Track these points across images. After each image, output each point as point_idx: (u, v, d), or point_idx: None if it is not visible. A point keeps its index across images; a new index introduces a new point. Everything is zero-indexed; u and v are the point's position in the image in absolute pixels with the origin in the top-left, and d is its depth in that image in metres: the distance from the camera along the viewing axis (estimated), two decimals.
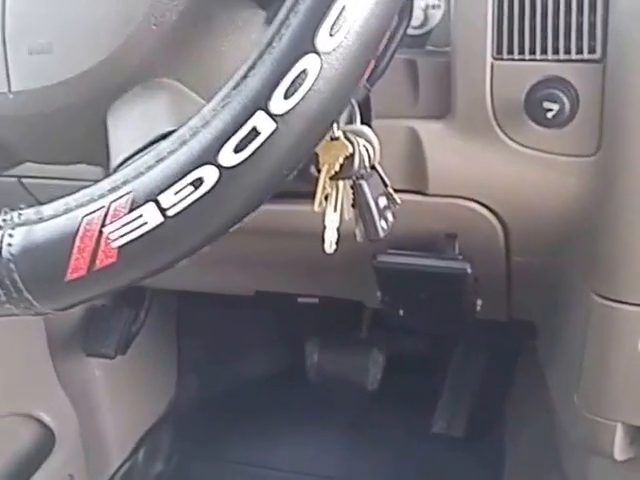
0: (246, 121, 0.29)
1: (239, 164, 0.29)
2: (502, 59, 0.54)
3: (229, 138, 0.29)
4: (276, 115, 0.29)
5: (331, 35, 0.29)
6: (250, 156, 0.29)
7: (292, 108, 0.29)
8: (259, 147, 0.29)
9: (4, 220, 0.32)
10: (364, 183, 0.51)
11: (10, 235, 0.31)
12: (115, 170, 0.34)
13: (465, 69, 0.55)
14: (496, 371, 1.11)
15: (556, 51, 0.53)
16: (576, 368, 0.63)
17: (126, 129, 0.37)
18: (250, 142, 0.29)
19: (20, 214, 0.32)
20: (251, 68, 0.30)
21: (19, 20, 0.39)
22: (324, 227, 0.50)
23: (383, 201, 0.53)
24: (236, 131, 0.29)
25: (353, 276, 0.71)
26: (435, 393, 1.16)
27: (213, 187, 0.30)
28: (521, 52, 0.54)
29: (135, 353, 1.07)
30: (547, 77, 0.53)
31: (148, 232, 0.30)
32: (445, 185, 0.59)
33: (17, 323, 0.92)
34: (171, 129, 0.34)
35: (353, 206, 0.53)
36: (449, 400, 1.14)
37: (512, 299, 0.71)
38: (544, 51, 0.53)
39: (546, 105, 0.52)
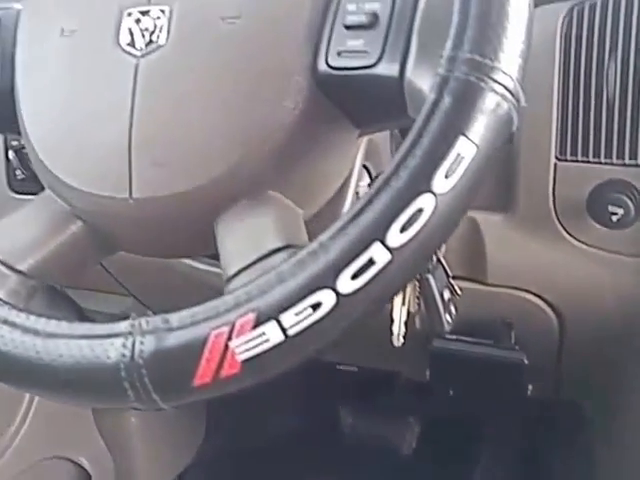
0: (363, 251, 0.31)
1: (355, 291, 0.31)
2: (566, 160, 0.56)
3: (347, 265, 0.31)
4: (392, 247, 0.31)
5: (446, 177, 0.31)
6: (365, 284, 0.31)
7: (407, 242, 0.31)
8: (374, 276, 0.31)
9: (132, 326, 0.34)
10: (431, 277, 0.53)
11: (141, 342, 0.33)
12: (229, 281, 0.37)
13: (528, 167, 0.57)
14: (537, 443, 1.11)
15: (621, 156, 0.54)
16: (629, 452, 0.64)
17: (236, 241, 0.39)
18: (365, 271, 0.31)
19: (147, 321, 0.34)
20: (369, 202, 0.32)
21: (145, 134, 0.41)
22: (392, 320, 0.52)
23: (447, 294, 0.55)
24: (353, 260, 0.31)
25: (404, 353, 0.72)
26: (471, 460, 1.15)
27: (330, 311, 0.31)
28: (585, 154, 0.56)
29: None
30: (611, 180, 0.55)
31: (270, 349, 0.32)
32: (504, 276, 0.61)
33: None
34: (280, 245, 0.37)
35: (417, 297, 0.55)
36: (488, 467, 1.13)
37: (562, 381, 0.72)
38: (609, 155, 0.55)
39: (611, 209, 0.54)
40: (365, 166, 0.52)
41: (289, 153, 0.41)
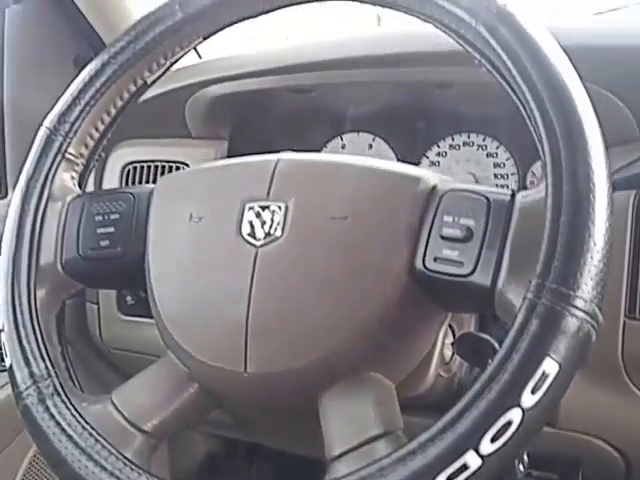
0: (458, 458, 0.36)
1: None
2: (635, 319, 0.61)
3: (443, 469, 0.36)
4: (483, 455, 0.36)
5: (532, 393, 0.36)
6: None
7: (496, 450, 0.36)
8: (466, 478, 0.36)
9: None
10: None
11: None
12: (332, 461, 0.43)
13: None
14: None
15: None
16: None
17: (339, 423, 0.45)
18: (459, 475, 0.36)
19: None
20: (466, 409, 0.37)
21: (261, 316, 0.48)
22: None
23: None
24: (449, 465, 0.36)
25: None
26: None
27: None
28: None
29: None
30: None
31: None
32: (574, 422, 0.64)
33: None
34: (380, 432, 0.42)
35: None
36: None
37: None
38: None
39: None
40: (450, 325, 0.58)
41: (386, 337, 0.47)
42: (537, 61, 0.41)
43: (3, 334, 0.52)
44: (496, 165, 0.76)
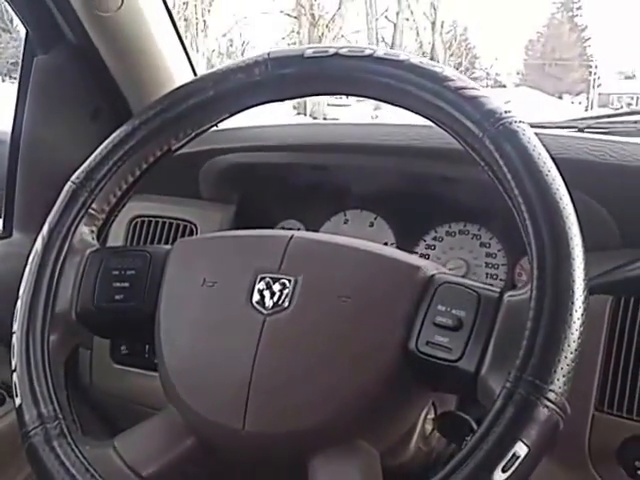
0: None
1: None
2: (602, 412, 0.65)
3: None
4: None
5: (503, 471, 0.41)
6: None
7: None
8: None
9: None
10: None
11: None
12: None
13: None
14: None
15: None
16: None
17: None
18: None
19: None
20: None
21: (263, 379, 0.51)
22: None
23: None
24: None
25: None
26: None
27: None
28: (619, 409, 0.65)
29: None
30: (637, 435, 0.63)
31: None
32: None
33: None
34: None
35: None
36: None
37: None
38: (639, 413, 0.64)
39: (637, 464, 0.62)
40: (433, 402, 0.62)
41: (377, 409, 0.51)
42: (533, 178, 0.46)
43: (15, 374, 0.55)
44: (488, 255, 0.82)
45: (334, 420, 0.50)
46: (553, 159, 0.48)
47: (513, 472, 0.41)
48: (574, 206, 0.46)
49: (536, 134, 0.49)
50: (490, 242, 0.81)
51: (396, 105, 0.56)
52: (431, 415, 0.62)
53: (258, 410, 0.51)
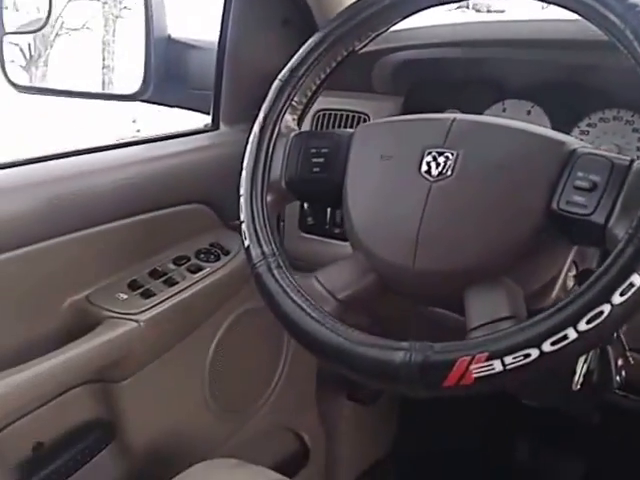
0: (561, 331, 0.53)
1: (551, 352, 0.53)
2: None
3: (549, 336, 0.53)
4: (579, 330, 0.52)
5: (621, 295, 0.52)
6: (559, 349, 0.53)
7: (589, 329, 0.52)
8: (564, 345, 0.53)
9: (411, 345, 0.58)
10: (609, 347, 0.72)
11: (415, 356, 0.57)
12: (470, 331, 0.60)
13: None
14: None
15: None
16: None
17: (477, 307, 0.62)
18: (560, 342, 0.53)
19: (420, 345, 0.58)
20: (570, 302, 0.53)
21: (429, 230, 0.65)
22: (574, 372, 0.72)
23: (621, 361, 0.74)
24: (554, 334, 0.53)
25: (580, 399, 0.90)
26: None
27: (534, 361, 0.54)
28: None
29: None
30: None
31: (494, 374, 0.55)
32: None
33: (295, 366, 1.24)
34: (507, 315, 0.59)
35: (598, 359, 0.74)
36: None
37: None
38: None
39: None
40: (574, 262, 0.72)
41: (522, 254, 0.63)
42: None
43: (244, 224, 0.74)
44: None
45: (487, 262, 0.63)
46: None
47: (629, 297, 0.52)
48: None
49: None
50: None
51: (545, 1, 0.65)
52: (573, 272, 0.73)
53: (425, 252, 0.66)
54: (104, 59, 1.33)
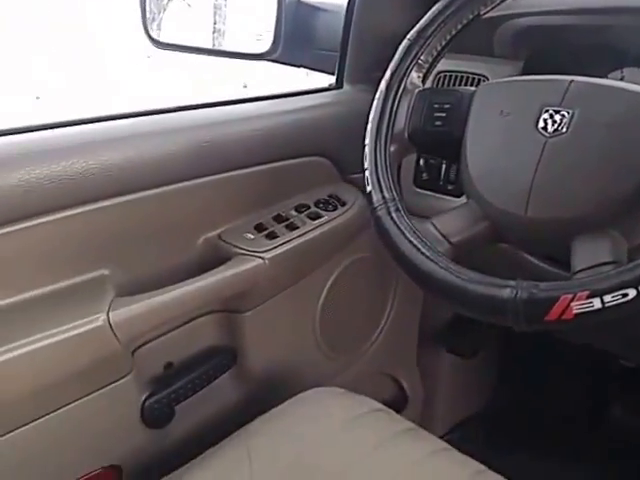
0: None
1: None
2: None
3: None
4: None
5: None
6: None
7: None
8: None
9: (517, 283, 0.64)
10: None
11: (521, 292, 0.64)
12: (575, 273, 0.66)
13: None
14: None
15: None
16: None
17: (583, 253, 0.68)
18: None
19: (526, 283, 0.64)
20: None
21: (542, 182, 0.71)
22: None
23: None
24: None
25: None
26: None
27: (630, 300, 0.59)
28: None
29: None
30: None
31: (592, 311, 0.61)
32: None
33: (398, 317, 1.32)
34: (610, 260, 0.64)
35: None
36: None
37: None
38: None
39: None
40: None
41: (628, 210, 0.68)
42: None
43: (367, 171, 0.82)
44: None
45: (595, 213, 0.68)
46: None
47: None
48: None
49: None
50: None
51: None
52: None
53: (537, 201, 0.71)
54: (215, 22, 1.36)
